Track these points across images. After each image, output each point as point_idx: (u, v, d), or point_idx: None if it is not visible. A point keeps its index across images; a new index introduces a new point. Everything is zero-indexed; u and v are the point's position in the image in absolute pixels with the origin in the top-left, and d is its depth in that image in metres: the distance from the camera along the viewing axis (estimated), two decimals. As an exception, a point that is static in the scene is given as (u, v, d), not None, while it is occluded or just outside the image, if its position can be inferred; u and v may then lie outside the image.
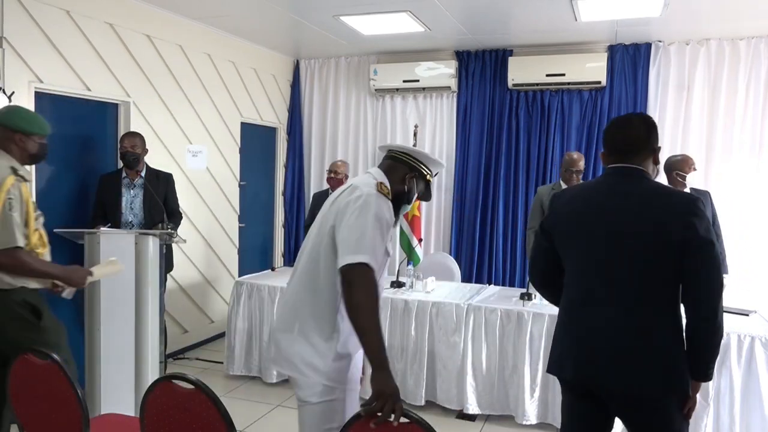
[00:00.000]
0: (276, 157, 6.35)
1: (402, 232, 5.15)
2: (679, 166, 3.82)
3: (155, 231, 3.44)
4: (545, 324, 3.58)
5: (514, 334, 3.65)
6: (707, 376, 1.90)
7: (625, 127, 2.00)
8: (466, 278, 5.57)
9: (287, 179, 6.39)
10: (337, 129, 6.24)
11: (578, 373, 1.94)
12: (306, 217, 5.18)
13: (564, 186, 4.20)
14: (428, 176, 2.08)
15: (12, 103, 2.66)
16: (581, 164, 4.16)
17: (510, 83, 5.43)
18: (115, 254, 3.12)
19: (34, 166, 3.63)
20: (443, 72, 5.65)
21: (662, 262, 1.84)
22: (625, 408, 1.94)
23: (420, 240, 5.18)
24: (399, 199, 2.01)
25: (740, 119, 4.96)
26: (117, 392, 3.14)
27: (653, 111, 5.14)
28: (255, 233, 6.07)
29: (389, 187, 1.94)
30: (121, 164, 4.12)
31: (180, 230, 4.06)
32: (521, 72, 5.39)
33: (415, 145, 5.01)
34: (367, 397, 1.61)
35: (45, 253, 2.65)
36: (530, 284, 3.90)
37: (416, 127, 5.73)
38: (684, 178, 3.76)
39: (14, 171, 2.50)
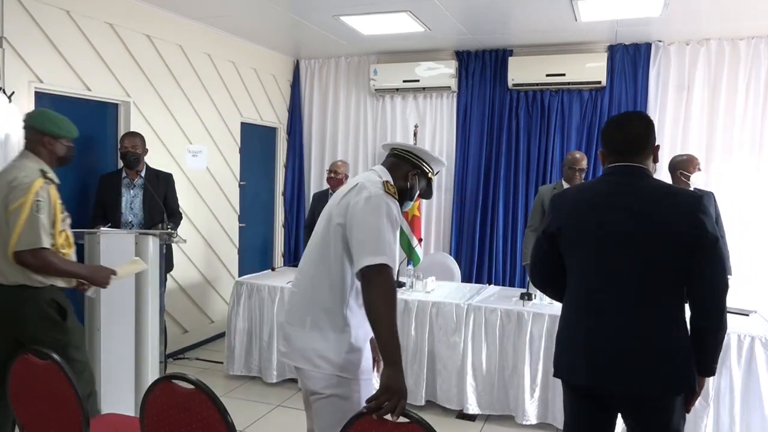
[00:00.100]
0: (276, 157, 6.35)
1: (402, 232, 5.15)
2: (683, 165, 3.81)
3: (155, 231, 3.44)
4: (545, 324, 3.58)
5: (514, 334, 3.65)
6: (713, 372, 1.93)
7: (623, 126, 1.99)
8: (466, 278, 5.57)
9: (287, 179, 6.39)
10: (337, 129, 6.24)
11: (591, 379, 1.90)
12: (306, 217, 5.18)
13: (566, 185, 4.20)
14: (430, 174, 2.14)
15: (42, 108, 2.74)
16: (584, 163, 4.16)
17: (510, 83, 5.43)
18: (115, 254, 3.12)
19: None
20: (443, 72, 5.65)
21: (669, 261, 1.83)
22: (633, 409, 1.93)
23: (420, 240, 5.18)
24: (402, 196, 2.06)
25: (740, 119, 4.96)
26: (117, 392, 3.14)
27: (653, 111, 5.14)
28: (255, 233, 6.07)
29: (396, 191, 1.99)
30: (121, 164, 4.12)
31: (180, 230, 4.06)
32: (521, 72, 5.39)
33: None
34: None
35: (71, 253, 2.71)
36: (530, 284, 3.92)
37: (416, 127, 5.74)
38: (688, 178, 3.75)
39: (43, 174, 2.57)
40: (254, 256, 6.03)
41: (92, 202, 4.09)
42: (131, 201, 4.06)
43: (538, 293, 3.84)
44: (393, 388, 1.67)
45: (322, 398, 1.92)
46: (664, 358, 1.84)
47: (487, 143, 5.67)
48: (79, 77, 3.98)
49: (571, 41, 5.24)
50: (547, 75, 5.29)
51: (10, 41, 3.52)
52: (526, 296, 3.82)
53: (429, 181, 2.15)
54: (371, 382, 2.00)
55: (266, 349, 4.26)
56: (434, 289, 4.18)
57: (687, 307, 1.91)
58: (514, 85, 5.43)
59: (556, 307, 3.67)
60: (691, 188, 3.78)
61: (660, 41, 5.14)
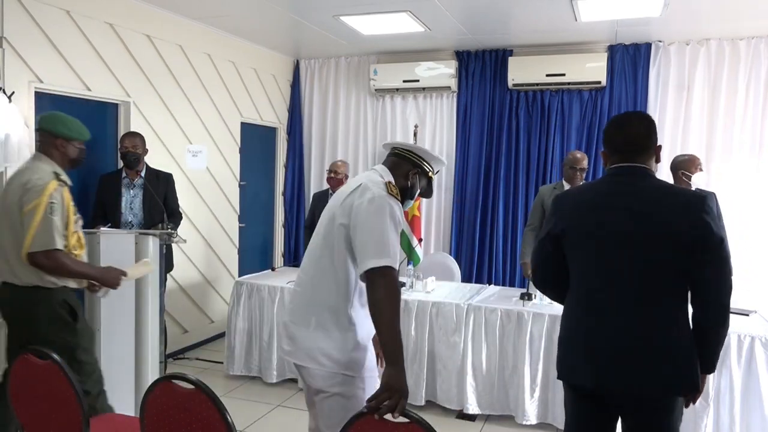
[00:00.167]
0: (276, 157, 6.35)
1: (402, 232, 5.14)
2: (685, 165, 3.80)
3: (155, 231, 3.44)
4: (545, 324, 3.58)
5: (514, 334, 3.65)
6: (714, 368, 1.95)
7: (625, 126, 1.99)
8: (466, 278, 5.57)
9: (287, 179, 6.39)
10: (337, 129, 6.24)
11: (592, 379, 1.90)
12: (306, 217, 5.18)
13: (566, 185, 4.19)
14: (430, 173, 2.16)
15: (50, 109, 2.80)
16: (584, 163, 4.16)
17: (510, 83, 5.43)
18: (115, 254, 3.13)
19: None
20: (443, 72, 5.65)
21: (670, 261, 1.83)
22: (634, 409, 1.92)
23: (420, 240, 5.18)
24: (403, 195, 2.08)
25: (740, 119, 4.96)
26: (117, 392, 3.14)
27: (653, 111, 5.14)
28: (255, 233, 6.07)
29: (396, 186, 2.02)
30: (121, 164, 4.12)
31: (180, 230, 4.05)
32: (521, 72, 5.39)
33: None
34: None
35: (82, 254, 2.74)
36: (530, 284, 3.92)
37: (416, 127, 5.74)
38: (689, 178, 3.74)
39: (57, 176, 2.61)
40: (254, 256, 6.03)
41: (92, 202, 4.09)
42: (131, 201, 4.06)
43: (538, 293, 3.84)
44: (394, 387, 1.69)
45: (327, 396, 1.95)
46: (665, 358, 1.84)
47: (487, 143, 5.67)
48: (79, 77, 3.98)
49: (571, 41, 5.24)
50: (547, 75, 5.29)
51: (10, 41, 3.52)
52: (526, 296, 3.82)
53: (429, 180, 2.18)
54: (375, 379, 2.02)
55: (266, 349, 4.26)
56: (434, 289, 4.18)
57: (688, 306, 1.91)
58: (514, 85, 5.43)
59: (556, 308, 3.67)
60: (693, 188, 3.78)
61: (660, 41, 5.14)
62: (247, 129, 5.75)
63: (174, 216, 4.17)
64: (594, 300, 1.92)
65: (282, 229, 6.45)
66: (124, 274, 2.84)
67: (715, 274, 1.83)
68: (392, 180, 2.04)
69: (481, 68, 5.66)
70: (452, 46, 5.62)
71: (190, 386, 1.76)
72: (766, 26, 4.65)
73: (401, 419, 1.60)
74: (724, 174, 4.94)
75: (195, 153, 5.07)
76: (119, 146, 4.08)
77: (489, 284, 4.86)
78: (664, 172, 4.22)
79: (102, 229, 3.35)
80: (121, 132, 4.28)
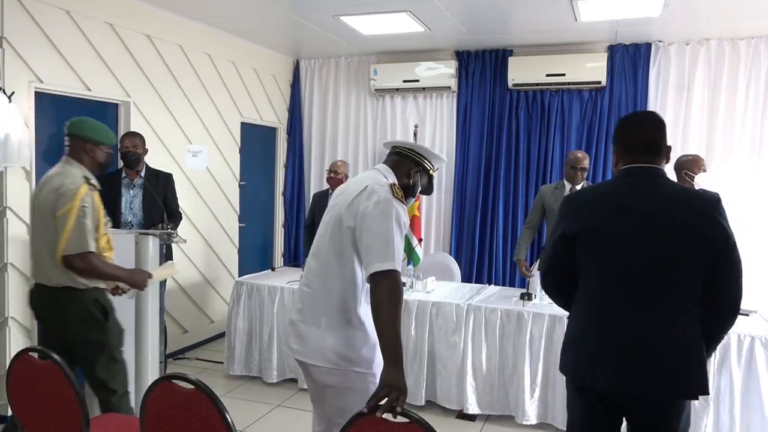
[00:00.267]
0: (276, 157, 6.35)
1: (402, 232, 5.14)
2: (688, 165, 3.79)
3: (155, 231, 3.44)
4: (545, 324, 3.58)
5: (514, 334, 3.65)
6: (709, 355, 1.96)
7: (638, 126, 1.97)
8: (466, 278, 5.57)
9: (287, 179, 6.39)
10: (337, 129, 6.24)
11: (617, 384, 1.85)
12: (306, 217, 5.18)
13: (567, 185, 4.20)
14: (431, 171, 2.20)
15: (84, 116, 2.88)
16: (586, 162, 4.16)
17: (510, 83, 5.43)
18: (115, 254, 3.11)
19: (34, 168, 3.66)
20: (443, 72, 5.65)
21: (689, 262, 1.82)
22: (646, 412, 1.90)
23: (420, 240, 5.18)
24: (405, 193, 2.11)
25: (740, 119, 4.96)
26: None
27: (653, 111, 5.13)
28: (255, 233, 6.07)
29: (401, 189, 2.06)
30: (121, 164, 4.12)
31: (180, 230, 4.05)
32: (521, 72, 5.39)
33: (415, 145, 5.01)
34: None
35: (111, 256, 2.81)
36: (530, 284, 3.93)
37: (416, 127, 5.74)
38: (692, 178, 3.73)
39: (87, 180, 2.67)
40: (254, 256, 6.03)
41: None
42: (131, 201, 4.06)
43: (538, 293, 3.84)
44: (393, 385, 1.72)
45: (340, 391, 2.01)
46: (681, 361, 1.82)
47: (487, 143, 5.67)
48: (79, 77, 3.98)
49: (571, 41, 5.24)
50: (547, 75, 5.29)
51: (10, 41, 3.52)
52: (526, 296, 3.82)
53: (430, 177, 2.22)
54: None
55: (266, 349, 4.26)
56: (434, 289, 4.18)
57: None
58: (514, 85, 5.43)
59: (556, 308, 3.65)
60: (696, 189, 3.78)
61: (660, 41, 5.14)
62: (247, 129, 5.75)
63: (174, 216, 4.16)
64: (607, 302, 1.89)
65: (282, 229, 6.45)
66: (150, 276, 2.93)
67: (728, 278, 1.83)
68: (396, 181, 2.09)
69: (481, 68, 5.66)
70: (452, 46, 5.62)
71: (190, 386, 1.76)
72: (766, 26, 4.65)
73: (401, 419, 1.60)
74: (724, 174, 4.94)
75: (195, 153, 5.07)
76: (119, 146, 4.07)
77: (489, 284, 4.87)
78: (666, 172, 4.22)
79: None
80: (121, 132, 4.28)
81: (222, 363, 4.49)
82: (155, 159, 4.37)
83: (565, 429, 3.56)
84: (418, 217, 5.36)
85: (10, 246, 3.57)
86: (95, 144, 2.77)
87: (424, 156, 2.17)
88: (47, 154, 3.82)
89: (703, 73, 5.05)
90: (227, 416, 1.69)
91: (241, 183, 5.71)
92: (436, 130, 5.92)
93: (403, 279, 4.20)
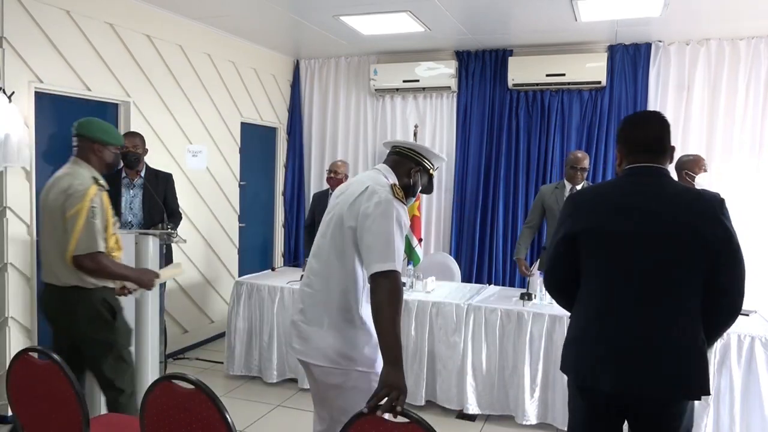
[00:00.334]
0: (276, 157, 6.35)
1: (402, 232, 5.14)
2: (689, 166, 3.79)
3: (155, 231, 3.44)
4: (545, 324, 3.58)
5: (514, 334, 3.65)
6: (708, 347, 1.97)
7: (644, 126, 1.96)
8: (466, 278, 5.57)
9: (287, 179, 6.39)
10: (337, 129, 6.24)
11: (618, 384, 1.84)
12: (306, 217, 5.18)
13: (567, 185, 4.20)
14: (431, 170, 2.22)
15: (92, 117, 2.91)
16: (586, 162, 4.16)
17: (510, 83, 5.43)
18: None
19: (34, 168, 3.66)
20: (443, 72, 5.65)
21: (692, 262, 1.82)
22: (650, 413, 1.88)
23: (420, 240, 5.18)
24: (405, 193, 2.12)
25: (740, 119, 4.96)
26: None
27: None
28: (255, 233, 6.07)
29: (400, 187, 2.07)
30: (120, 164, 4.12)
31: (180, 230, 4.05)
32: (521, 72, 5.39)
33: (415, 145, 5.01)
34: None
35: (120, 256, 2.83)
36: (530, 284, 3.93)
37: (416, 127, 5.74)
38: (693, 178, 3.73)
39: (95, 181, 2.69)
40: (254, 256, 6.03)
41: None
42: (131, 201, 4.06)
43: (538, 293, 3.84)
44: (392, 385, 1.73)
45: (344, 391, 2.02)
46: (685, 361, 1.82)
47: (487, 143, 5.67)
48: (79, 77, 3.98)
49: (571, 41, 5.24)
50: (547, 75, 5.29)
51: (10, 41, 3.52)
52: (526, 296, 3.82)
53: (430, 176, 2.24)
54: None
55: (266, 349, 4.26)
56: (434, 289, 4.18)
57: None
58: (514, 85, 5.43)
59: (556, 307, 3.67)
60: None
61: (660, 41, 5.14)
62: (247, 129, 5.75)
63: (174, 216, 4.16)
64: (609, 302, 1.88)
65: (282, 229, 6.45)
66: (157, 275, 2.96)
67: (729, 278, 1.83)
68: (396, 181, 2.10)
69: (481, 68, 5.66)
70: (452, 46, 5.62)
71: (190, 386, 1.76)
72: (766, 26, 4.65)
73: (401, 419, 1.60)
74: (724, 174, 4.95)
75: (195, 153, 5.07)
76: (119, 146, 4.07)
77: (489, 284, 4.87)
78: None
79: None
80: (121, 132, 4.27)
81: (222, 363, 4.49)
82: (155, 159, 4.37)
83: (565, 429, 3.56)
84: (418, 217, 5.36)
85: (10, 246, 3.57)
86: (103, 144, 2.79)
87: (423, 155, 2.18)
88: (47, 154, 3.82)
89: (703, 73, 5.05)
90: (227, 416, 1.69)
91: (241, 183, 5.71)
92: (436, 130, 5.92)
93: (403, 279, 4.19)
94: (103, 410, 3.01)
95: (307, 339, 2.05)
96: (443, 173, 5.84)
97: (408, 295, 3.93)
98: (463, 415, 3.78)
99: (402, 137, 5.89)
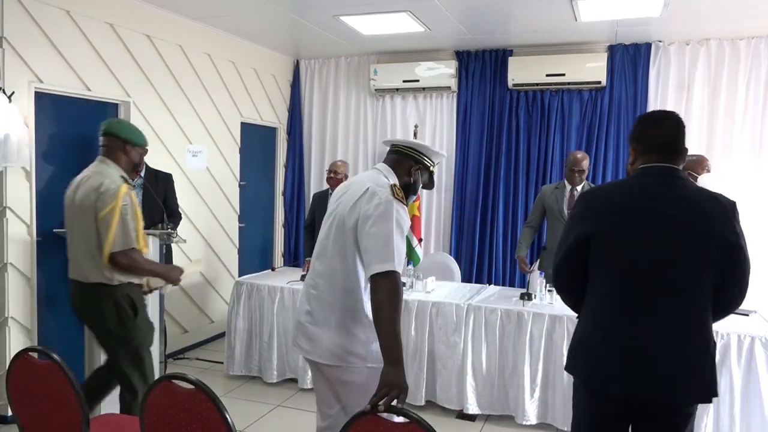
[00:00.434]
0: (276, 157, 6.35)
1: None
2: (691, 166, 3.78)
3: (155, 231, 3.44)
4: (545, 324, 3.58)
5: (514, 334, 3.65)
6: None
7: (659, 125, 1.93)
8: (466, 278, 5.57)
9: (287, 179, 6.39)
10: (337, 129, 6.24)
11: (629, 386, 1.82)
12: (306, 217, 5.18)
13: (568, 185, 4.20)
14: (431, 167, 2.23)
15: (118, 118, 3.00)
16: (584, 164, 4.16)
17: (510, 83, 5.43)
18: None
19: (34, 168, 3.66)
20: (443, 72, 5.65)
21: (707, 264, 1.81)
22: (661, 416, 1.87)
23: (420, 240, 5.18)
24: (406, 191, 2.15)
25: (740, 119, 4.96)
26: (117, 392, 3.13)
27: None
28: (255, 233, 6.07)
29: (400, 187, 2.09)
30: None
31: (180, 230, 4.05)
32: (521, 72, 5.39)
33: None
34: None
35: (147, 252, 2.90)
36: (530, 284, 3.93)
37: (416, 127, 5.74)
38: (695, 179, 3.72)
39: (125, 180, 2.76)
40: (254, 256, 6.03)
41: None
42: (131, 201, 4.05)
43: (538, 293, 3.84)
44: (393, 384, 1.75)
45: (355, 387, 2.05)
46: (698, 366, 1.81)
47: (487, 143, 5.67)
48: (79, 77, 3.97)
49: (571, 41, 5.24)
50: (547, 75, 5.29)
51: (10, 41, 3.52)
52: (526, 296, 3.82)
53: (431, 173, 2.26)
54: None
55: (266, 349, 4.26)
56: (434, 289, 4.18)
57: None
58: (514, 85, 5.43)
59: (556, 308, 3.67)
60: None
61: (660, 41, 5.14)
62: (247, 129, 5.75)
63: (173, 216, 4.16)
64: (621, 303, 1.86)
65: (282, 229, 6.45)
66: (182, 271, 3.04)
67: (734, 280, 1.84)
68: (396, 181, 2.12)
69: (481, 68, 5.66)
70: (452, 46, 5.62)
71: (190, 386, 1.76)
72: (766, 26, 4.65)
73: (401, 419, 1.60)
74: (724, 174, 4.94)
75: (195, 153, 5.07)
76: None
77: (489, 284, 4.86)
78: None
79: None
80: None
81: (222, 363, 4.49)
82: (155, 159, 4.36)
83: (565, 429, 3.57)
84: (418, 217, 5.36)
85: (10, 246, 3.57)
86: (133, 145, 2.88)
87: (423, 153, 2.20)
88: (47, 154, 3.82)
89: (703, 73, 5.05)
90: (227, 416, 1.69)
91: (241, 183, 5.71)
92: (436, 130, 5.91)
93: (403, 279, 4.19)
94: (104, 410, 3.02)
95: (316, 340, 2.08)
96: (443, 173, 5.84)
97: (408, 295, 3.93)
98: (463, 415, 3.78)
99: (402, 137, 5.88)
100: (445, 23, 4.80)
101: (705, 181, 3.69)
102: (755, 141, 4.92)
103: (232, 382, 4.33)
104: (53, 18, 3.77)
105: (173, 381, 1.82)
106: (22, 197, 3.62)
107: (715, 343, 1.87)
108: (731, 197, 1.93)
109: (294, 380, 4.24)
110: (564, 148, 5.38)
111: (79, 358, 3.62)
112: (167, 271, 2.99)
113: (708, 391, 1.83)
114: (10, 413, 3.39)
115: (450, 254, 5.58)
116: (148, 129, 4.47)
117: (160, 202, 4.00)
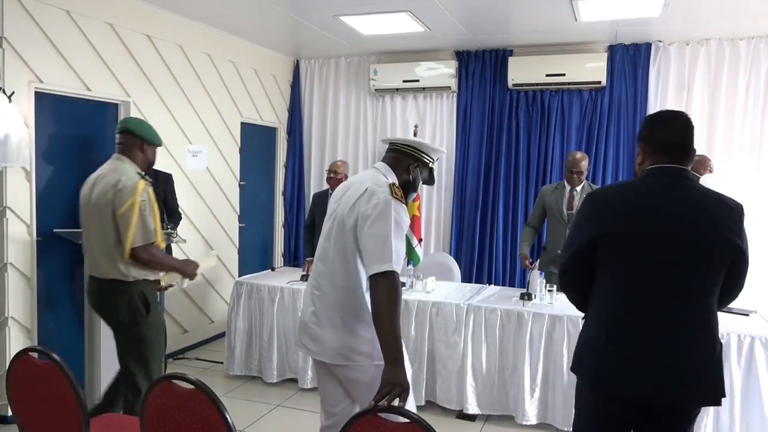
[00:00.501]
0: (276, 157, 6.35)
1: (402, 232, 5.13)
2: (694, 166, 3.77)
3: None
4: (545, 324, 3.58)
5: (514, 334, 3.65)
6: None
7: (668, 126, 1.92)
8: (466, 278, 5.57)
9: (287, 179, 6.39)
10: (337, 129, 6.24)
11: (635, 387, 1.81)
12: (306, 217, 5.18)
13: (567, 186, 4.20)
14: (430, 164, 2.24)
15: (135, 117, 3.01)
16: (583, 165, 4.15)
17: (510, 83, 5.43)
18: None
19: (34, 168, 3.66)
20: (443, 72, 5.65)
21: (715, 267, 1.81)
22: (669, 418, 1.87)
23: (420, 240, 5.18)
24: (406, 188, 2.15)
25: (740, 119, 4.96)
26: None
27: (653, 111, 5.11)
28: (255, 233, 6.07)
29: (399, 186, 2.10)
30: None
31: (180, 230, 4.06)
32: (521, 72, 5.39)
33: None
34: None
35: (163, 247, 2.96)
36: (530, 284, 3.93)
37: (416, 127, 5.74)
38: (698, 179, 3.72)
39: (141, 176, 2.79)
40: (254, 256, 6.03)
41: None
42: (131, 201, 4.05)
43: (538, 293, 3.84)
44: (394, 382, 1.76)
45: (364, 384, 2.06)
46: (707, 367, 1.81)
47: (487, 143, 5.67)
48: (79, 77, 3.97)
49: (571, 41, 5.24)
50: (547, 75, 5.29)
51: (10, 41, 3.52)
52: (526, 296, 3.82)
53: (430, 170, 2.26)
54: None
55: (266, 349, 4.26)
56: (434, 289, 4.18)
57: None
58: (514, 85, 5.43)
59: (556, 308, 3.68)
60: None
61: (660, 41, 5.14)
62: (247, 129, 5.75)
63: (173, 216, 4.17)
64: (629, 304, 1.85)
65: (282, 229, 6.45)
66: (197, 266, 3.13)
67: (734, 281, 1.85)
68: (396, 179, 2.12)
69: (481, 68, 5.66)
70: (452, 46, 5.62)
71: (190, 386, 1.76)
72: (766, 26, 4.65)
73: (401, 419, 1.60)
74: (724, 174, 4.94)
75: (195, 153, 5.07)
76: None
77: (489, 284, 4.86)
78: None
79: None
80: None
81: (222, 363, 4.49)
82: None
83: (565, 429, 3.56)
84: (418, 217, 5.35)
85: (10, 246, 3.57)
86: (150, 144, 2.92)
87: (421, 150, 2.20)
88: (47, 154, 3.82)
89: (703, 73, 5.05)
90: (227, 416, 1.69)
91: (241, 183, 5.70)
92: (436, 130, 5.91)
93: (403, 279, 4.22)
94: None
95: (322, 340, 2.10)
96: (443, 173, 5.84)
97: (408, 295, 3.93)
98: (463, 415, 3.78)
99: (402, 137, 5.88)
100: (445, 23, 4.80)
101: (707, 182, 3.69)
102: (755, 141, 4.92)
103: (232, 382, 4.33)
104: (53, 18, 3.77)
105: (173, 381, 1.82)
106: (22, 197, 3.62)
107: (721, 345, 1.86)
108: (732, 198, 1.93)
109: (294, 380, 4.24)
110: (564, 148, 5.38)
111: (79, 358, 3.63)
112: (183, 265, 3.06)
113: (717, 392, 1.82)
114: (10, 413, 3.39)
115: (450, 254, 5.58)
116: (148, 129, 4.47)
117: (160, 202, 4.00)
